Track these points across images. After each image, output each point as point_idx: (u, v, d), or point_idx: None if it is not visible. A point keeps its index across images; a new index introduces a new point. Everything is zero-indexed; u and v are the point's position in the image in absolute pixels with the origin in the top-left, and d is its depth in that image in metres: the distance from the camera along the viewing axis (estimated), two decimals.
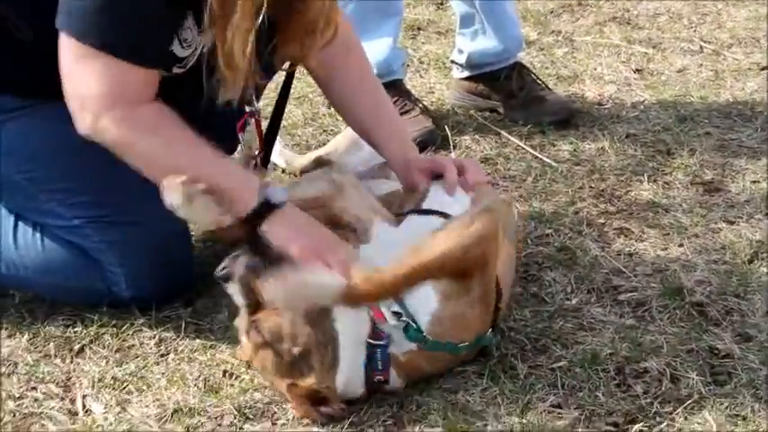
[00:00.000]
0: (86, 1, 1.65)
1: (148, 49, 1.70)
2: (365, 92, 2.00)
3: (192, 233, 2.21)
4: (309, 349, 1.60)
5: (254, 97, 1.94)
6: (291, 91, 2.17)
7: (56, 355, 1.84)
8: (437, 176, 1.91)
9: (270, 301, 1.61)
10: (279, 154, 2.41)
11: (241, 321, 1.70)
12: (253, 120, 1.99)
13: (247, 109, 1.96)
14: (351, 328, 1.63)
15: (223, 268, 1.69)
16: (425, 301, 1.65)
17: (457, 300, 1.65)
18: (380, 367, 1.64)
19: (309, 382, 1.61)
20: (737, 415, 1.64)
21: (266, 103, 2.54)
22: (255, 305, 1.65)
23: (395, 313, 1.65)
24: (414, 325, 1.64)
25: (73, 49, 1.69)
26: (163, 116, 1.74)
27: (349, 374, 1.63)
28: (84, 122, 1.72)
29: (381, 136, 1.98)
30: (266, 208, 1.70)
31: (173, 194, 1.65)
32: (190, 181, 1.64)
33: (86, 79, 1.69)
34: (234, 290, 1.68)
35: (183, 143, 1.73)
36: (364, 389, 1.66)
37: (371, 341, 1.63)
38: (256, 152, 2.05)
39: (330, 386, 1.61)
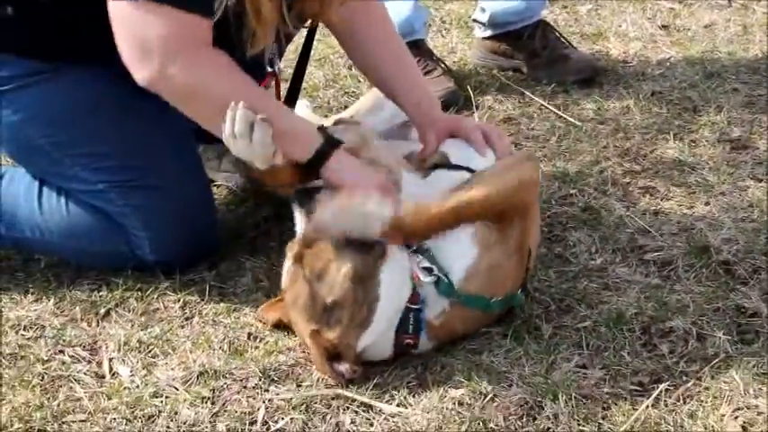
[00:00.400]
0: None
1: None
2: (388, 48, 1.98)
3: (216, 196, 2.22)
4: (344, 303, 1.60)
5: (276, 57, 1.93)
6: (312, 53, 2.15)
7: (82, 319, 1.86)
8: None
9: (317, 221, 1.60)
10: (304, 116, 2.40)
11: (292, 248, 1.68)
12: (273, 81, 1.97)
13: (269, 69, 1.95)
14: (394, 294, 1.62)
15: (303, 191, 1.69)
16: (462, 253, 1.65)
17: (495, 248, 1.64)
18: (411, 331, 1.64)
19: (332, 335, 1.60)
20: (765, 373, 1.62)
21: (287, 65, 2.52)
22: (312, 240, 1.63)
23: (425, 269, 1.65)
24: (446, 279, 1.63)
25: (126, 8, 1.67)
26: (227, 62, 1.74)
27: (378, 337, 1.63)
28: (146, 70, 1.69)
29: (404, 91, 1.96)
30: (329, 147, 1.73)
31: (236, 121, 1.65)
32: (252, 110, 1.66)
33: (149, 22, 1.66)
34: (300, 214, 1.68)
35: (250, 88, 1.74)
36: (392, 351, 1.66)
37: (409, 305, 1.63)
38: None
39: (351, 344, 1.61)
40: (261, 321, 1.81)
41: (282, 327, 1.77)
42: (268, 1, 1.66)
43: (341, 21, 1.93)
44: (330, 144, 1.75)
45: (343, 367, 1.62)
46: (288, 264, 1.68)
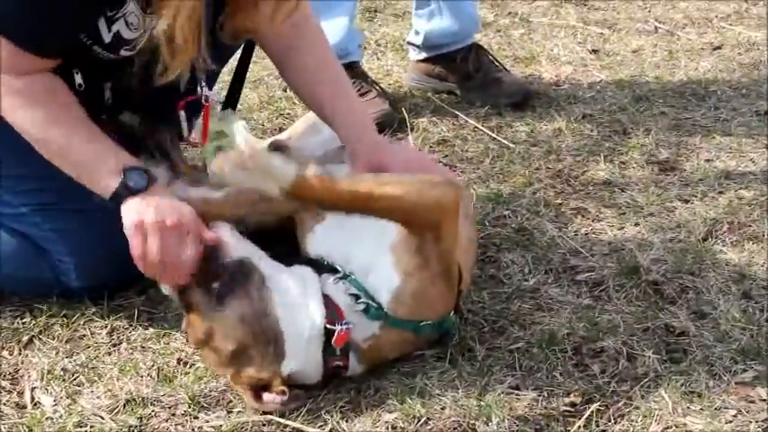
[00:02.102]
0: None
1: (48, 41, 1.65)
2: (324, 72, 1.95)
3: None
4: (246, 345, 1.58)
5: (203, 83, 1.90)
6: (247, 74, 2.13)
7: (3, 348, 1.79)
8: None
9: (213, 173, 1.56)
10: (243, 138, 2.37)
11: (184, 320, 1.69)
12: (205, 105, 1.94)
13: (205, 94, 1.92)
14: (297, 323, 1.60)
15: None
16: (387, 278, 1.63)
17: (417, 275, 1.63)
18: (339, 353, 1.62)
19: (249, 372, 1.59)
20: (693, 392, 1.65)
21: (221, 87, 2.50)
22: (188, 307, 1.64)
23: (352, 295, 1.63)
24: (374, 305, 1.62)
25: None
26: (49, 89, 1.70)
27: (302, 364, 1.61)
28: None
29: (338, 115, 1.94)
30: (123, 194, 1.66)
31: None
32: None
33: None
34: (169, 290, 1.67)
35: (62, 118, 1.69)
36: (321, 375, 1.64)
37: (329, 326, 1.61)
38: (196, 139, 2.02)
39: (274, 373, 1.59)
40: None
41: None
42: (183, 28, 1.61)
43: (277, 42, 1.92)
44: (126, 190, 1.66)
45: (271, 395, 1.59)
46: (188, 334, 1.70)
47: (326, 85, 1.94)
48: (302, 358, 1.60)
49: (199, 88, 1.90)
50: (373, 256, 1.66)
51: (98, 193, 1.69)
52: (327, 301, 1.62)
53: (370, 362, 1.67)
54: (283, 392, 1.58)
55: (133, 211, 1.64)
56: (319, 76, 1.94)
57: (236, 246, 1.63)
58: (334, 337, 1.60)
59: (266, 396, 1.59)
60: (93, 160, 1.69)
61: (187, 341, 1.76)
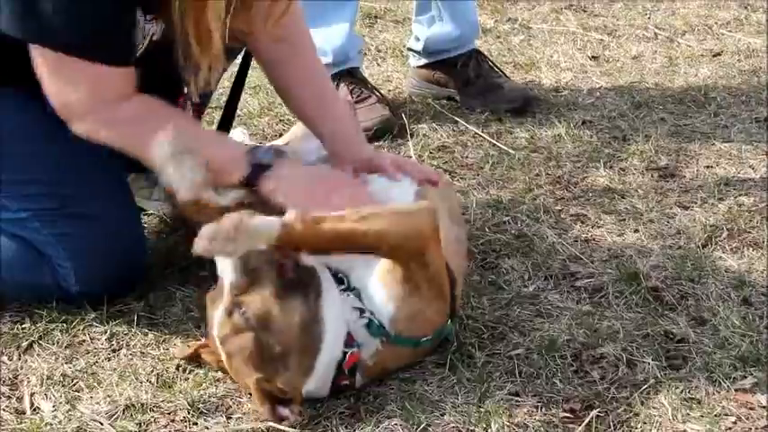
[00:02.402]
0: (43, 4, 1.62)
1: (115, 46, 1.67)
2: (310, 81, 1.97)
3: (146, 225, 2.18)
4: (291, 352, 1.56)
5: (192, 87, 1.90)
6: (247, 81, 2.13)
7: (2, 353, 1.79)
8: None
9: (201, 241, 1.54)
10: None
11: (213, 297, 1.62)
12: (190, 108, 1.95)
13: (194, 100, 1.92)
14: (336, 337, 1.59)
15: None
16: (382, 305, 1.63)
17: (410, 300, 1.63)
18: (347, 373, 1.62)
19: (280, 381, 1.55)
20: (692, 398, 1.65)
21: (221, 93, 2.51)
22: (245, 286, 1.57)
23: (356, 308, 1.63)
24: (376, 321, 1.62)
25: (43, 55, 1.68)
26: (146, 108, 1.75)
27: (319, 383, 1.60)
28: (74, 126, 1.74)
29: (322, 124, 1.95)
30: (257, 171, 1.71)
31: (161, 147, 1.64)
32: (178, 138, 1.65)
33: (63, 87, 1.69)
34: (226, 264, 1.59)
35: (172, 123, 1.71)
36: (328, 391, 1.63)
37: (344, 349, 1.61)
38: None
39: (298, 388, 1.57)
40: (178, 357, 1.75)
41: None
42: (215, 30, 1.63)
43: (267, 50, 1.92)
44: (256, 170, 1.71)
45: (288, 411, 1.57)
46: (219, 314, 1.59)
47: (312, 95, 1.95)
48: (322, 378, 1.60)
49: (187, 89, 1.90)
50: (367, 275, 1.65)
51: (230, 180, 1.70)
52: None
53: (373, 376, 1.67)
54: (300, 413, 1.56)
55: (280, 186, 1.69)
56: (305, 86, 1.95)
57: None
58: (345, 360, 1.60)
59: (284, 411, 1.56)
60: (212, 152, 1.71)
61: (199, 328, 1.74)
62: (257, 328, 1.55)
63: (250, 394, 1.65)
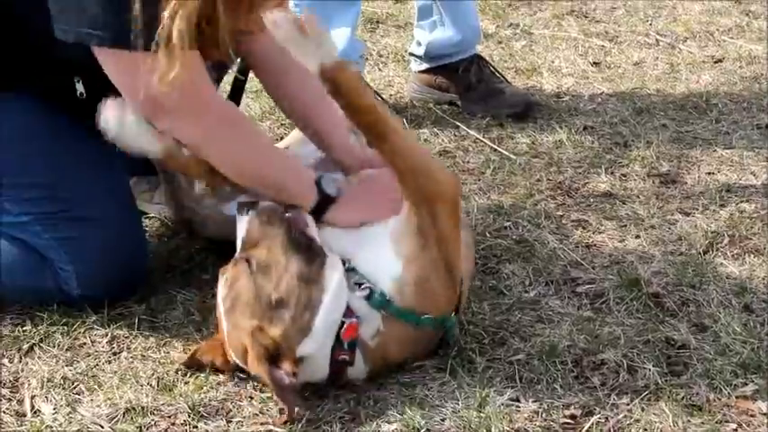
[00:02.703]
0: (90, 7, 1.61)
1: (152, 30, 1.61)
2: (308, 89, 1.96)
3: (148, 228, 2.18)
4: (289, 302, 1.59)
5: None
6: (248, 85, 2.13)
7: (3, 355, 1.79)
8: None
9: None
10: None
11: (225, 270, 1.66)
12: None
13: None
14: (334, 302, 1.62)
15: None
16: (388, 265, 1.65)
17: (418, 258, 1.65)
18: (346, 346, 1.62)
19: (275, 332, 1.58)
20: (693, 405, 1.65)
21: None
22: (256, 241, 1.65)
23: (357, 284, 1.65)
24: (377, 291, 1.64)
25: (103, 56, 1.66)
26: (227, 114, 1.77)
27: (316, 349, 1.61)
28: (157, 124, 1.71)
29: (323, 130, 1.95)
30: (324, 203, 1.75)
31: (105, 117, 1.70)
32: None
33: (134, 85, 1.65)
34: (244, 221, 1.68)
35: (244, 138, 1.77)
36: (328, 370, 1.63)
37: (343, 319, 1.63)
38: None
39: (291, 347, 1.58)
40: (189, 365, 1.75)
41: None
42: (181, 29, 1.60)
43: (263, 50, 1.91)
44: (323, 201, 1.75)
45: (283, 370, 1.57)
46: (228, 274, 1.65)
47: (310, 104, 1.94)
48: (320, 343, 1.61)
49: None
50: (374, 247, 1.68)
51: (293, 203, 1.74)
52: None
53: (374, 363, 1.67)
54: (294, 374, 1.58)
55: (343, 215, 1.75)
56: (303, 95, 1.95)
57: (313, 229, 1.70)
58: (343, 330, 1.62)
59: (279, 372, 1.57)
60: (287, 178, 1.77)
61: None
62: (257, 273, 1.60)
63: (251, 397, 1.65)
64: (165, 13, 1.57)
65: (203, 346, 1.73)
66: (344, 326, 1.62)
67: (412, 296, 1.66)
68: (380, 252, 1.68)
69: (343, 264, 1.68)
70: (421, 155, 1.71)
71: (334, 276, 1.63)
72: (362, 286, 1.65)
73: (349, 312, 1.64)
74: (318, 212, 1.75)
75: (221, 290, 1.65)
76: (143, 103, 1.68)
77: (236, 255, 1.68)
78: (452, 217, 1.68)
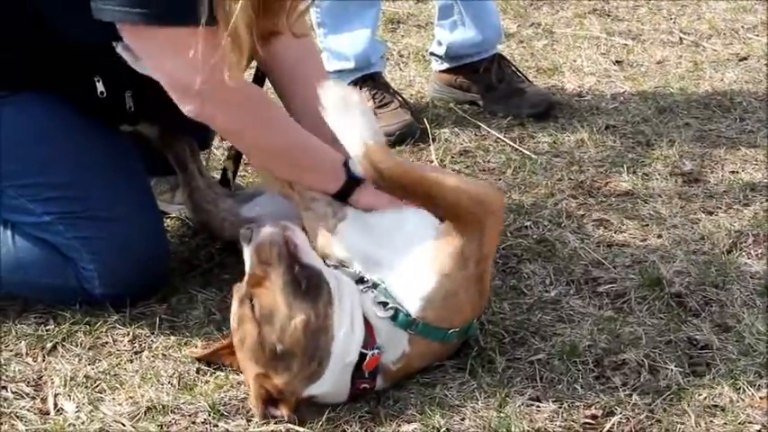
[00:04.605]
0: None
1: (199, 8, 1.60)
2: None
3: (169, 228, 2.20)
4: (295, 353, 1.55)
5: None
6: (264, 89, 2.13)
7: (27, 354, 1.81)
8: None
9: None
10: None
11: (239, 289, 1.63)
12: None
13: None
14: (347, 347, 1.58)
15: (248, 228, 1.63)
16: (420, 279, 1.62)
17: (453, 276, 1.62)
18: (367, 376, 1.61)
19: (279, 381, 1.56)
20: (716, 405, 1.63)
21: None
22: (260, 278, 1.58)
23: (380, 303, 1.63)
24: (403, 310, 1.62)
25: (135, 36, 1.65)
26: (257, 94, 1.76)
27: (332, 387, 1.60)
28: (187, 106, 1.70)
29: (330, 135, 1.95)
30: (351, 185, 1.74)
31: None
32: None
33: (172, 67, 1.65)
34: (248, 253, 1.61)
35: (276, 123, 1.76)
36: (348, 396, 1.63)
37: (363, 350, 1.60)
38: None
39: (295, 392, 1.57)
40: (201, 360, 1.76)
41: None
42: (244, 24, 1.61)
43: (279, 61, 1.92)
44: (350, 183, 1.74)
45: (279, 412, 1.57)
46: (235, 305, 1.62)
47: (318, 116, 1.93)
48: (335, 381, 1.59)
49: None
50: (406, 256, 1.65)
51: (326, 189, 1.75)
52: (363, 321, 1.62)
53: (395, 380, 1.67)
54: (291, 419, 1.57)
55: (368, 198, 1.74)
56: (311, 106, 1.93)
57: (313, 255, 1.62)
58: (366, 362, 1.60)
59: (275, 412, 1.57)
60: (316, 161, 1.76)
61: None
62: (261, 322, 1.55)
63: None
64: (232, 7, 1.57)
65: (223, 346, 1.73)
66: (366, 358, 1.59)
67: (439, 312, 1.64)
68: (413, 268, 1.64)
69: (365, 281, 1.65)
70: (466, 190, 1.65)
71: (343, 322, 1.57)
72: (387, 307, 1.62)
73: (371, 340, 1.60)
74: (345, 195, 1.74)
75: (233, 313, 1.62)
76: (174, 84, 1.67)
77: (242, 288, 1.61)
78: (496, 232, 1.68)
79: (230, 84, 1.65)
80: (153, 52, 1.66)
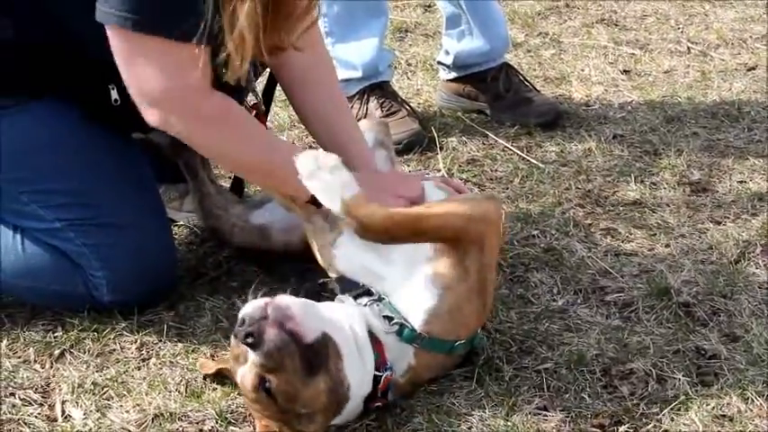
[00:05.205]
0: None
1: (186, 23, 1.63)
2: (334, 106, 1.97)
3: (177, 236, 2.20)
4: (317, 412, 1.55)
5: (255, 88, 1.92)
6: (277, 93, 2.15)
7: (35, 361, 1.81)
8: None
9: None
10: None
11: (242, 358, 1.55)
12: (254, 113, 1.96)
13: (250, 101, 1.94)
14: (361, 385, 1.58)
15: (250, 325, 1.50)
16: (422, 294, 1.63)
17: (455, 289, 1.62)
18: (380, 395, 1.61)
19: (301, 428, 1.55)
20: (724, 415, 1.63)
21: None
22: (271, 369, 1.51)
23: (386, 317, 1.63)
24: (408, 325, 1.62)
25: (120, 39, 1.67)
26: (227, 108, 1.75)
27: (348, 417, 1.60)
28: (152, 118, 1.72)
29: (350, 155, 1.94)
30: None
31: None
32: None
33: (144, 74, 1.68)
34: (254, 358, 1.51)
35: (248, 136, 1.76)
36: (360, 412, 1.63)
37: (376, 373, 1.60)
38: None
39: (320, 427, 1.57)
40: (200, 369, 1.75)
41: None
42: (250, 31, 1.63)
43: (292, 65, 1.93)
44: None
45: None
46: (245, 381, 1.53)
47: (335, 121, 1.95)
48: (350, 411, 1.59)
49: (249, 97, 1.92)
50: (407, 271, 1.66)
51: (302, 199, 1.75)
52: (372, 340, 1.61)
53: (404, 392, 1.67)
54: None
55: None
56: (322, 112, 1.95)
57: (312, 321, 1.55)
58: (380, 384, 1.60)
59: None
60: (288, 171, 1.70)
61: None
62: (280, 401, 1.52)
63: None
64: (227, 12, 1.59)
65: (228, 364, 1.68)
66: (381, 380, 1.59)
67: (444, 325, 1.64)
68: (414, 275, 1.64)
69: (371, 294, 1.65)
70: (456, 213, 1.64)
71: (354, 365, 1.56)
72: (392, 322, 1.62)
73: (381, 359, 1.60)
74: (319, 204, 1.71)
75: (246, 390, 1.54)
76: (136, 96, 1.70)
77: (250, 373, 1.52)
78: (495, 240, 1.68)
79: (204, 99, 1.68)
80: (133, 58, 1.68)
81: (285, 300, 1.55)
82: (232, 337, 1.57)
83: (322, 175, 1.59)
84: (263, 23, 1.62)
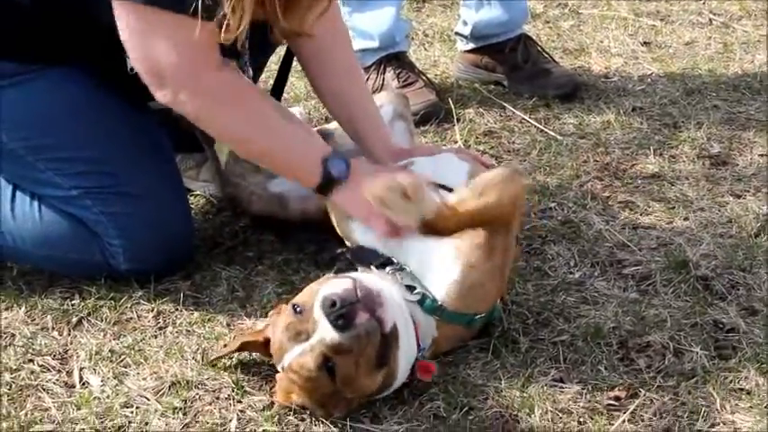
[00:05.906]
0: None
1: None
2: (351, 82, 1.96)
3: (193, 205, 2.20)
4: (363, 397, 1.57)
5: (248, 66, 1.91)
6: (294, 63, 2.13)
7: (53, 328, 1.83)
8: None
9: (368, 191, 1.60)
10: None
11: (299, 328, 1.54)
12: None
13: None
14: (404, 373, 1.59)
15: (342, 307, 1.48)
16: (445, 269, 1.63)
17: (479, 267, 1.62)
18: (410, 373, 1.62)
19: (336, 412, 1.56)
20: (741, 389, 1.62)
21: (268, 76, 2.52)
22: (344, 351, 1.49)
23: (408, 287, 1.63)
24: (430, 296, 1.62)
25: (130, 14, 1.65)
26: (236, 85, 1.75)
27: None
28: (159, 93, 1.71)
29: (366, 131, 1.94)
30: (329, 184, 1.73)
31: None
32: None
33: (150, 48, 1.66)
34: (338, 337, 1.48)
35: (255, 115, 1.75)
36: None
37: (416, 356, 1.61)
38: None
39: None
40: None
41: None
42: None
43: (309, 51, 1.92)
44: (328, 182, 1.73)
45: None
46: (310, 365, 1.50)
47: (351, 107, 1.94)
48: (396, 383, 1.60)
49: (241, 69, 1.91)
50: (430, 245, 1.65)
51: (304, 185, 1.76)
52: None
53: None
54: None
55: (348, 200, 1.72)
56: (344, 96, 1.95)
57: (392, 309, 1.55)
58: (416, 367, 1.60)
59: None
60: (292, 158, 1.76)
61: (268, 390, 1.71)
62: (339, 383, 1.51)
63: None
64: None
65: (250, 342, 1.67)
66: (415, 365, 1.60)
67: (465, 300, 1.64)
68: (438, 257, 1.64)
69: (392, 263, 1.65)
70: (493, 200, 1.64)
71: (404, 354, 1.57)
72: (414, 291, 1.62)
73: (416, 341, 1.60)
74: (323, 193, 1.74)
75: (303, 367, 1.51)
76: (145, 74, 1.69)
77: (315, 349, 1.50)
78: (519, 217, 1.68)
79: (215, 75, 1.67)
80: (143, 34, 1.66)
81: (372, 282, 1.55)
82: (289, 308, 1.55)
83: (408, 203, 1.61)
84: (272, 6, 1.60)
